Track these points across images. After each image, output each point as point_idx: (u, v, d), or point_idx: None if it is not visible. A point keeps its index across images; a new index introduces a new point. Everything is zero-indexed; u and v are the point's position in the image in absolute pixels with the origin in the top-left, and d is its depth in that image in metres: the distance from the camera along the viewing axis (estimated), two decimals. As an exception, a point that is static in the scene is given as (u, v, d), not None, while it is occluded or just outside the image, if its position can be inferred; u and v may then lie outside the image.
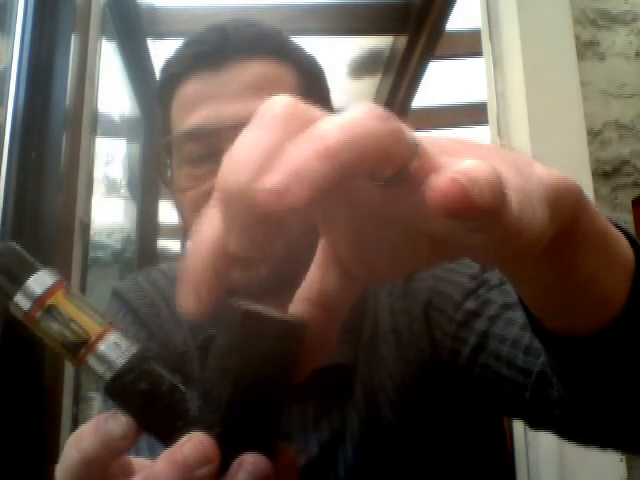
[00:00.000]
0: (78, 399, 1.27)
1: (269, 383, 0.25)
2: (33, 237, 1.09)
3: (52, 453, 1.10)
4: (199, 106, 0.58)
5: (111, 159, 2.31)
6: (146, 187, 2.34)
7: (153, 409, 0.27)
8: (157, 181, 2.42)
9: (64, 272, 1.21)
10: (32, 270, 0.27)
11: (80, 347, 0.27)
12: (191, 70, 0.60)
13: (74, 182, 1.28)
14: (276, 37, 0.62)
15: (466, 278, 0.62)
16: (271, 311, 0.26)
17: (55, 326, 0.27)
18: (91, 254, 1.49)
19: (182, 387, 0.28)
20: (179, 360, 0.64)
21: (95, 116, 1.46)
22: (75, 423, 1.22)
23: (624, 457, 1.23)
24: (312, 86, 0.64)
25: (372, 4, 2.43)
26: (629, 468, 1.24)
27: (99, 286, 1.64)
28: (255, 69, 0.59)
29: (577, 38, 1.54)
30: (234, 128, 0.56)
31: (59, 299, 0.27)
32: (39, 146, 1.13)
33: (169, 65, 0.63)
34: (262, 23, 0.63)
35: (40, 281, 0.27)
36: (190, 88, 0.60)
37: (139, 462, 0.30)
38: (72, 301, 0.27)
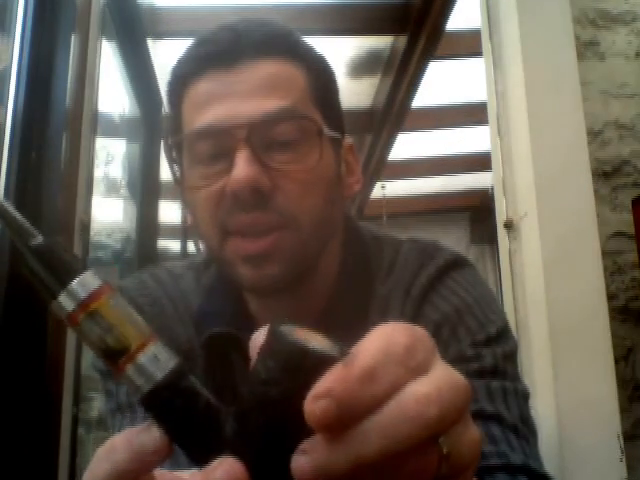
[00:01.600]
0: (78, 399, 1.27)
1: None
2: (33, 237, 1.09)
3: (53, 453, 1.10)
4: (211, 105, 0.58)
5: (111, 159, 2.31)
6: (146, 187, 2.34)
7: (187, 426, 0.26)
8: (157, 181, 2.42)
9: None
10: (78, 270, 0.26)
11: (120, 356, 0.26)
12: (203, 69, 0.60)
13: (74, 182, 1.28)
14: (288, 37, 0.63)
15: (468, 340, 0.61)
16: (318, 339, 0.26)
17: (97, 332, 0.26)
18: (91, 254, 1.49)
19: (217, 404, 0.27)
20: (183, 358, 0.64)
21: (95, 116, 1.46)
22: (75, 423, 1.22)
23: (624, 457, 1.24)
24: (322, 86, 0.64)
25: (372, 4, 2.43)
26: (629, 468, 1.24)
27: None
28: (267, 69, 0.59)
29: (577, 38, 1.54)
30: (246, 127, 0.56)
31: (103, 304, 0.26)
32: (39, 146, 1.13)
33: (180, 64, 0.63)
34: (274, 23, 0.64)
35: (85, 283, 0.26)
36: (202, 87, 0.60)
37: (164, 476, 0.30)
38: (116, 307, 0.27)
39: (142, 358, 0.26)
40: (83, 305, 0.26)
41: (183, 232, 3.16)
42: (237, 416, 0.26)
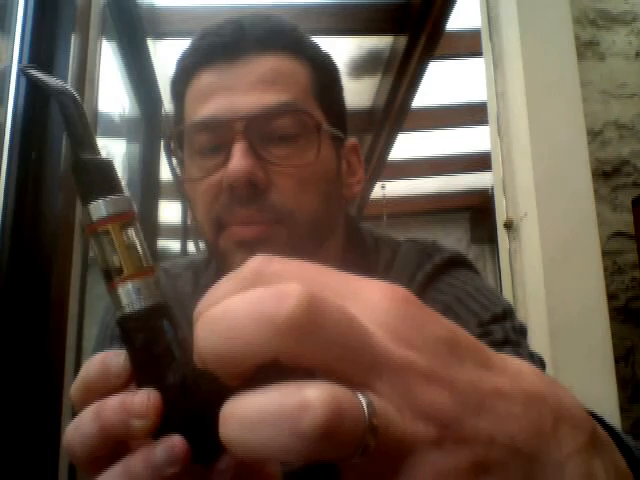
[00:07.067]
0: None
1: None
2: (33, 237, 1.09)
3: (53, 453, 1.10)
4: (213, 97, 0.59)
5: (111, 159, 2.31)
6: (146, 187, 2.34)
7: (141, 362, 0.28)
8: (157, 181, 2.42)
9: (64, 272, 1.21)
10: (113, 191, 0.29)
11: (114, 276, 0.28)
12: (206, 61, 0.60)
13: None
14: (291, 33, 0.63)
15: (474, 321, 0.60)
16: None
17: (100, 249, 0.29)
18: (91, 254, 1.49)
19: (176, 354, 0.28)
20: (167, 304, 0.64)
21: (95, 116, 1.46)
22: (75, 423, 1.22)
23: (624, 457, 1.23)
24: (325, 83, 0.64)
25: (372, 4, 2.43)
26: (629, 468, 1.24)
27: (99, 286, 1.63)
28: (270, 63, 0.59)
29: (577, 38, 1.54)
30: (244, 120, 0.56)
31: (113, 228, 0.29)
32: (39, 146, 1.13)
33: (184, 56, 0.63)
34: (278, 18, 0.64)
35: (109, 205, 0.29)
36: (205, 79, 0.60)
37: None
38: (124, 234, 0.29)
39: (131, 285, 0.28)
40: (93, 225, 0.29)
41: (183, 232, 3.16)
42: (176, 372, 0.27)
